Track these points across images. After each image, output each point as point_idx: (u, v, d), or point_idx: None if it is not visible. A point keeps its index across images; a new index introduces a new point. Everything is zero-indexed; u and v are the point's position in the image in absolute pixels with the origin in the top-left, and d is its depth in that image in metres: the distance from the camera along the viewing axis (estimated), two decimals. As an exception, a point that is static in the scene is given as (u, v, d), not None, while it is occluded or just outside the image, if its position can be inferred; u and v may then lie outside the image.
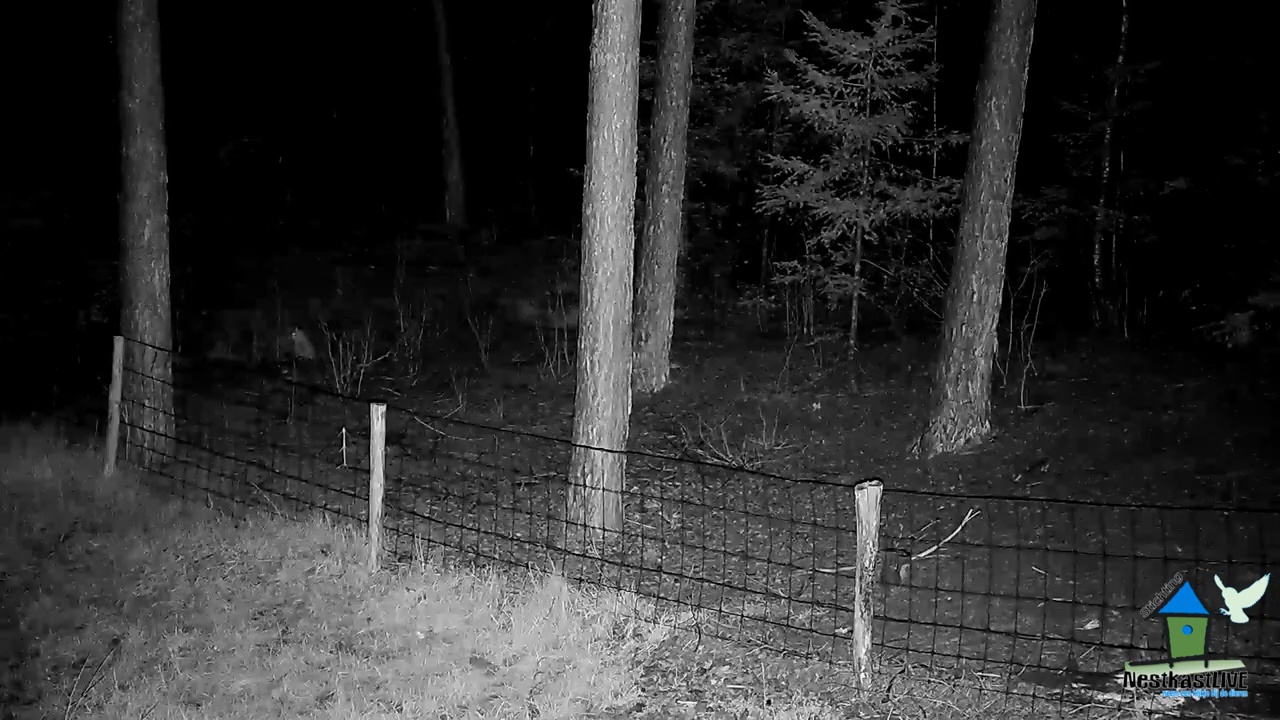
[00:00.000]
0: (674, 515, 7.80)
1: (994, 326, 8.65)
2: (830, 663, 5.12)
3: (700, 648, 5.39)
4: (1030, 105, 8.62)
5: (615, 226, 7.14)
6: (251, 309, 14.09)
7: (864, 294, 11.80)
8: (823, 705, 4.67)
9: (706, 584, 6.29)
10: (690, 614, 5.79)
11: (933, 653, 5.20)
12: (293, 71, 21.65)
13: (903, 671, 4.99)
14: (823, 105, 11.31)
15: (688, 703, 4.81)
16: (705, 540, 7.23)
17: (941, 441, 8.63)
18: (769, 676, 5.00)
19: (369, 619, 5.71)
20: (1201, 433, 8.06)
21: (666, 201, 11.06)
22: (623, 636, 5.48)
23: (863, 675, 4.87)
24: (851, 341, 11.14)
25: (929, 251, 13.88)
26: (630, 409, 7.57)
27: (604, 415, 7.22)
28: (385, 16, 22.65)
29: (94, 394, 9.86)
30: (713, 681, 5.02)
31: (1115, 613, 5.49)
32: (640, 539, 7.28)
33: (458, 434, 9.66)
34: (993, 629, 5.39)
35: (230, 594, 6.05)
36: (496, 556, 6.67)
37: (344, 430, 9.25)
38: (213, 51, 19.14)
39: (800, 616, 5.86)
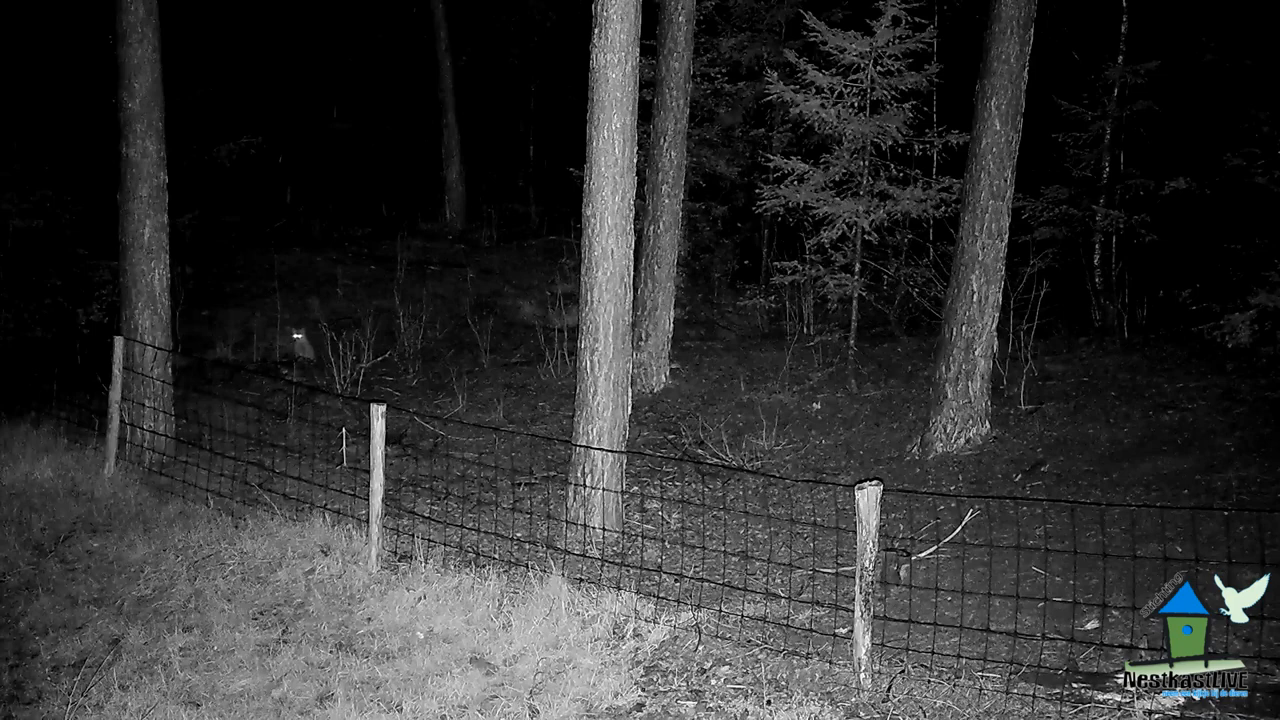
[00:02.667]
0: (674, 515, 7.80)
1: (994, 326, 8.66)
2: (830, 663, 5.12)
3: (700, 648, 5.39)
4: (1030, 105, 8.63)
5: (615, 226, 7.14)
6: (251, 309, 14.10)
7: (864, 294, 11.80)
8: (823, 705, 4.67)
9: (706, 584, 6.29)
10: (690, 614, 5.79)
11: (933, 653, 5.20)
12: (293, 71, 21.66)
13: (903, 671, 4.99)
14: (823, 105, 11.31)
15: (688, 703, 4.80)
16: (705, 540, 7.23)
17: (941, 441, 8.63)
18: (769, 676, 5.00)
19: (369, 619, 5.71)
20: (1201, 433, 8.06)
21: (666, 201, 11.07)
22: (623, 636, 5.48)
23: (863, 675, 4.87)
24: (851, 341, 11.15)
25: (929, 251, 13.89)
26: (630, 409, 7.57)
27: (604, 415, 7.22)
28: (385, 17, 22.67)
29: (94, 394, 9.86)
30: (713, 681, 5.02)
31: (1115, 613, 5.49)
32: (640, 539, 7.28)
33: (458, 434, 9.66)
34: (993, 629, 5.40)
35: (230, 594, 6.05)
36: (496, 556, 6.67)
37: (344, 430, 9.26)
38: (213, 51, 19.14)
39: (800, 616, 5.86)
